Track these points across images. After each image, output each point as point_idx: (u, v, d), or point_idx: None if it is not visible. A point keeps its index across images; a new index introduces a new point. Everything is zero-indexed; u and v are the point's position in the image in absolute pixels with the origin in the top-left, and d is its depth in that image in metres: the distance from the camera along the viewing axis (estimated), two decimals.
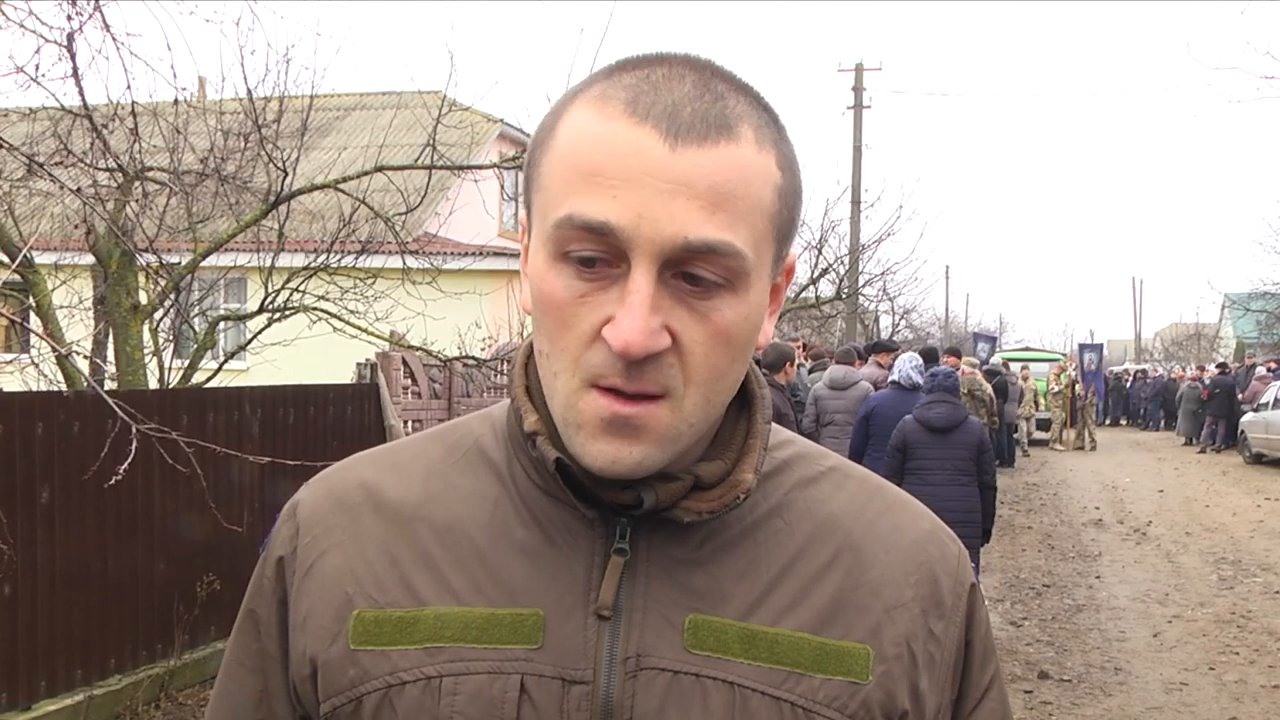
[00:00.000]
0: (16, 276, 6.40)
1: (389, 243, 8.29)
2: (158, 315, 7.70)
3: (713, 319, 0.76)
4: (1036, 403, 22.01)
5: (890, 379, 7.56)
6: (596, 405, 0.76)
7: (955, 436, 6.31)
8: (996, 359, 21.37)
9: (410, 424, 8.02)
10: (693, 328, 0.76)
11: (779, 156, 0.79)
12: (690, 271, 0.75)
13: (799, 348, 10.58)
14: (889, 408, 7.16)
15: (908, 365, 7.39)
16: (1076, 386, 23.79)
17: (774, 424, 0.92)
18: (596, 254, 0.75)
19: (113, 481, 4.54)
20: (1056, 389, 22.71)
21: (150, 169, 7.16)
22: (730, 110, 0.77)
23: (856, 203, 20.98)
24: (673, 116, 0.75)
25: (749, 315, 0.79)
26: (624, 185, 0.74)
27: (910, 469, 6.34)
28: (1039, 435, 22.85)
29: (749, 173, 0.76)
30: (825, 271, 17.40)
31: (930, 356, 11.37)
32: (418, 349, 8.22)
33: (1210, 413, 23.14)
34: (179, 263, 7.51)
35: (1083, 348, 28.95)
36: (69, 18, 5.85)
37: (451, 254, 12.96)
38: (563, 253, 0.76)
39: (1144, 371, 35.22)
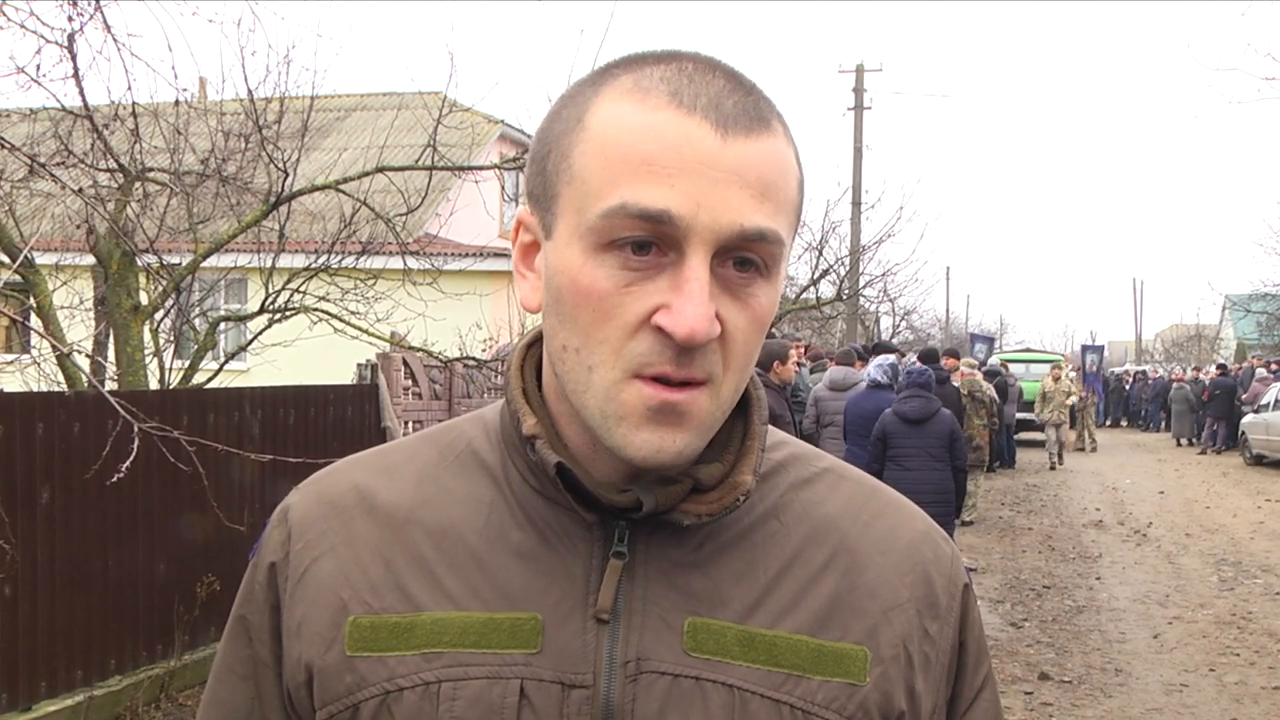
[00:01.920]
0: (17, 277, 6.40)
1: (390, 243, 8.29)
2: (158, 316, 7.70)
3: (752, 305, 0.78)
4: (1070, 405, 19.16)
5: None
6: (643, 394, 0.76)
7: (928, 427, 7.15)
8: (995, 360, 21.30)
9: (411, 425, 8.01)
10: (736, 314, 0.77)
11: (796, 152, 0.82)
12: (742, 257, 0.77)
13: (799, 348, 10.57)
14: (856, 403, 8.17)
15: (872, 366, 8.29)
16: (1074, 387, 23.68)
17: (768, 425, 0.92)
18: (650, 237, 0.75)
19: (114, 480, 4.54)
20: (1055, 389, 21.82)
21: (151, 169, 7.17)
22: (763, 105, 0.79)
23: (857, 204, 20.98)
24: (719, 108, 0.76)
25: (775, 301, 0.81)
26: (680, 174, 0.74)
27: (890, 456, 7.17)
28: (1031, 436, 21.12)
29: (785, 165, 0.79)
30: (826, 273, 17.37)
31: (930, 358, 11.38)
32: (418, 350, 8.21)
33: (1210, 414, 23.18)
34: (179, 263, 7.50)
35: (1084, 349, 28.95)
36: (70, 18, 5.86)
37: (452, 255, 12.96)
38: (607, 242, 0.76)
39: (1143, 373, 35.21)
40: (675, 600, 0.83)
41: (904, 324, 28.59)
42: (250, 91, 7.30)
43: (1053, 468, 18.41)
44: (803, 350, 11.03)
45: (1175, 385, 25.96)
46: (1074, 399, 19.72)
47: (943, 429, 7.17)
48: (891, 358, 8.51)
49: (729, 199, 0.74)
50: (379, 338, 7.98)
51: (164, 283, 7.28)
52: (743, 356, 0.79)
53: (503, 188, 13.72)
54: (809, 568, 0.86)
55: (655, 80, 0.77)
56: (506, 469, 0.88)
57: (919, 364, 9.89)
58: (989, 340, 27.16)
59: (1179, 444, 25.09)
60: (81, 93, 6.18)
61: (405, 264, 8.05)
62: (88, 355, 6.55)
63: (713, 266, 0.76)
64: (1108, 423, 32.43)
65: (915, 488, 6.74)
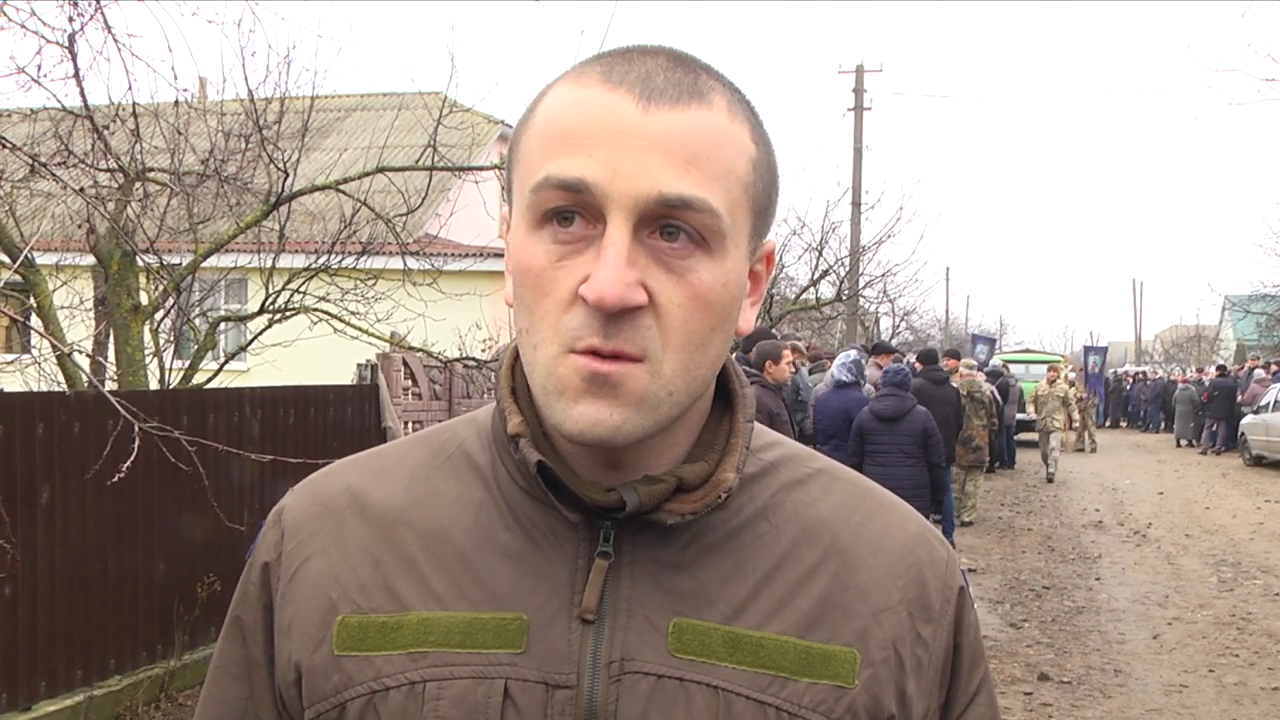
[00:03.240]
0: (18, 277, 6.40)
1: (390, 244, 8.29)
2: (158, 316, 7.70)
3: (690, 280, 0.77)
4: (1067, 407, 17.33)
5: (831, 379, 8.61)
6: (575, 365, 0.76)
7: (902, 424, 7.44)
8: (996, 360, 21.28)
9: (410, 425, 8.02)
10: (670, 288, 0.76)
11: (753, 131, 0.81)
12: (667, 224, 0.76)
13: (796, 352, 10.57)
14: (823, 402, 8.34)
15: (836, 365, 8.50)
16: (1072, 390, 23.59)
17: (764, 425, 0.92)
18: (572, 206, 0.76)
19: (115, 479, 4.54)
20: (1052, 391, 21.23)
21: (151, 170, 7.16)
22: (703, 81, 0.79)
23: (857, 204, 20.96)
24: (646, 82, 0.77)
25: (727, 283, 0.79)
26: (599, 144, 0.75)
27: (867, 453, 7.44)
28: (1031, 437, 20.25)
29: (722, 137, 0.78)
30: (826, 273, 17.40)
31: (929, 358, 11.39)
32: (418, 350, 8.22)
33: (1210, 414, 23.19)
34: (180, 263, 7.51)
35: (1087, 350, 28.94)
36: (70, 19, 5.86)
37: (452, 255, 12.97)
38: (541, 215, 0.77)
39: (1143, 373, 35.21)
40: (661, 600, 0.83)
41: (904, 324, 28.60)
42: (250, 92, 7.31)
43: (1049, 480, 16.58)
44: (801, 353, 11.02)
45: (1180, 386, 25.89)
46: (1073, 407, 17.49)
47: (916, 426, 7.42)
48: (854, 354, 8.63)
49: (647, 166, 0.75)
50: (379, 338, 7.99)
51: (164, 283, 7.28)
52: (683, 334, 0.77)
53: (503, 188, 13.71)
54: (799, 569, 0.86)
55: (594, 65, 0.79)
56: (496, 469, 0.88)
57: (894, 363, 9.91)
58: (990, 341, 27.17)
59: (1179, 445, 25.09)
60: (82, 93, 6.18)
61: (405, 264, 8.05)
62: (88, 355, 6.55)
63: (642, 238, 0.76)
64: (1107, 423, 32.44)
65: (890, 484, 6.94)
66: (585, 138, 0.75)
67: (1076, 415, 18.60)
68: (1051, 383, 17.11)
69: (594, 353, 0.76)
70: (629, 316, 0.75)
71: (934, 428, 7.59)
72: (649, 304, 0.76)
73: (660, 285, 0.76)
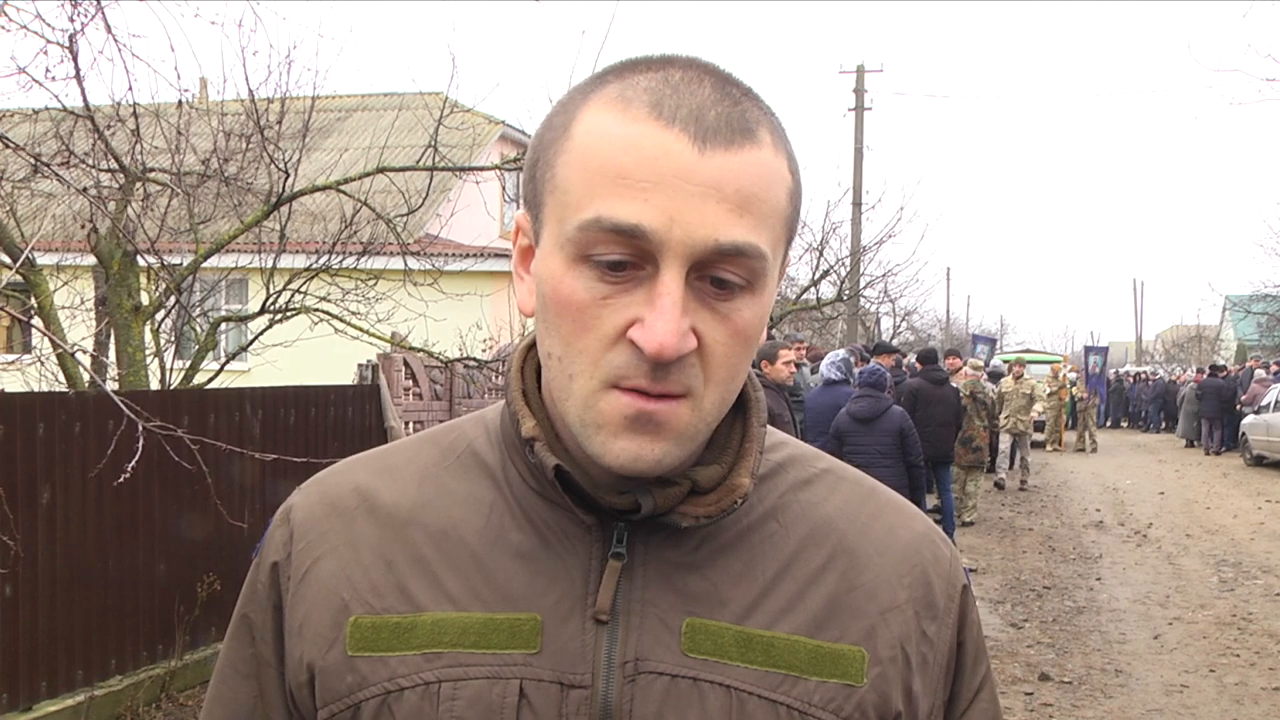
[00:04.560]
0: (19, 277, 6.40)
1: (390, 244, 8.29)
2: (159, 316, 7.70)
3: (733, 319, 0.77)
4: (1033, 405, 15.83)
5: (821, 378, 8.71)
6: (620, 403, 0.76)
7: (878, 425, 7.47)
8: (997, 361, 21.27)
9: (411, 425, 8.02)
10: (715, 329, 0.77)
11: (788, 158, 0.81)
12: (717, 276, 0.76)
13: (800, 349, 10.57)
14: (815, 400, 8.49)
15: (825, 363, 8.61)
16: (1074, 389, 23.54)
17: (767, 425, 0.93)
18: (625, 258, 0.75)
19: (121, 480, 4.54)
20: (1051, 390, 20.55)
21: (152, 170, 7.16)
22: (750, 114, 0.78)
23: (858, 204, 20.97)
24: (699, 120, 0.75)
25: (762, 314, 0.80)
26: (654, 188, 0.74)
27: (845, 454, 7.33)
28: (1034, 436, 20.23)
29: (770, 176, 0.78)
30: (827, 273, 17.38)
31: (929, 358, 11.39)
32: (419, 350, 8.22)
33: (1201, 414, 23.20)
34: (180, 264, 7.51)
35: (1088, 350, 28.94)
36: (71, 19, 5.86)
37: (453, 255, 12.96)
38: (585, 255, 0.76)
39: (1145, 374, 35.21)
40: (673, 601, 0.83)
41: (904, 325, 28.62)
42: (251, 92, 7.30)
43: (999, 487, 15.09)
44: (804, 351, 11.02)
45: (1192, 385, 25.83)
46: (1039, 406, 15.98)
47: (892, 426, 7.43)
48: (843, 353, 8.69)
49: (704, 213, 0.74)
50: (380, 338, 7.99)
51: (165, 283, 7.28)
52: (725, 369, 0.78)
53: (503, 188, 13.72)
54: (807, 568, 0.87)
55: (639, 90, 0.77)
56: (506, 470, 0.88)
57: (881, 363, 9.94)
58: (991, 341, 27.14)
59: (1188, 444, 24.98)
60: (83, 93, 6.19)
61: (406, 264, 8.05)
62: (90, 353, 6.55)
63: (690, 280, 0.75)
64: (1108, 423, 32.44)
65: None
66: (640, 179, 0.74)
67: (1039, 410, 16.79)
68: (1018, 379, 15.51)
69: (640, 391, 0.76)
70: (678, 359, 0.75)
71: (910, 428, 7.58)
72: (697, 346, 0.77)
73: (707, 327, 0.77)
